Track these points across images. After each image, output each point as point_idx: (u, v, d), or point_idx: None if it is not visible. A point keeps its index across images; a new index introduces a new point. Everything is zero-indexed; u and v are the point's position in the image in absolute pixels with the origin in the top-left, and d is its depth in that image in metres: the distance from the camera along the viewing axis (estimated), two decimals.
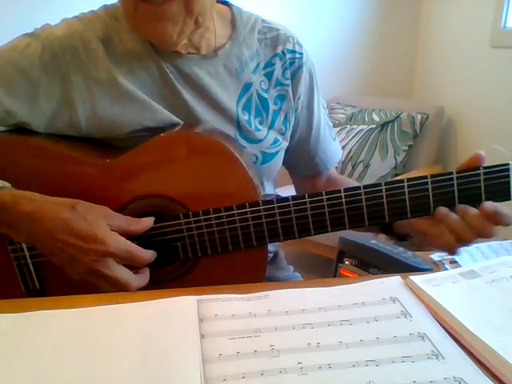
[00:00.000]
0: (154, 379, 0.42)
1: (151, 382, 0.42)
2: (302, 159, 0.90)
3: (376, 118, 2.34)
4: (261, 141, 0.80)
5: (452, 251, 0.67)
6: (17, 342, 0.48)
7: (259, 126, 0.80)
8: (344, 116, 2.44)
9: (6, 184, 0.65)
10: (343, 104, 2.51)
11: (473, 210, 0.64)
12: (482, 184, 0.65)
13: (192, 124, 0.75)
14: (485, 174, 0.64)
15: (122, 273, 0.62)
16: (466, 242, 0.65)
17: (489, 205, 0.64)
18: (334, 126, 2.40)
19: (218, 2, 0.77)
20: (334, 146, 0.92)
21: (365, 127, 2.33)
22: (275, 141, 0.82)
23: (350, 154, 2.31)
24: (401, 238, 0.77)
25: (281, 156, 0.85)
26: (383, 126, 2.30)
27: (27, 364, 0.45)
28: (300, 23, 2.33)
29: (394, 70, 2.73)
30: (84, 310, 0.53)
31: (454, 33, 2.45)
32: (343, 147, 2.31)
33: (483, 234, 0.64)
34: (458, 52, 2.43)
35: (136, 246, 0.63)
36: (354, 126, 2.36)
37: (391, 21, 2.64)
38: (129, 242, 0.62)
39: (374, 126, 2.31)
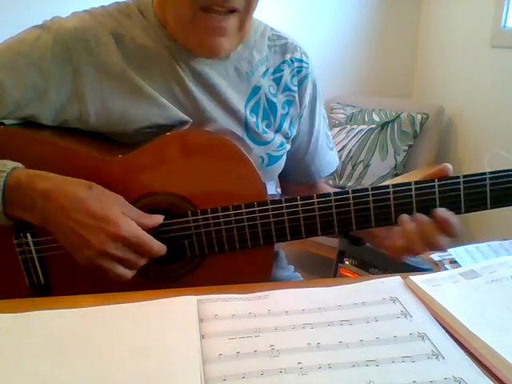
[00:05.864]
0: (154, 379, 0.42)
1: (151, 382, 0.42)
2: (297, 166, 0.91)
3: (376, 117, 2.34)
4: (268, 143, 0.81)
5: (396, 257, 0.66)
6: (17, 341, 0.48)
7: (266, 129, 0.81)
8: (344, 116, 2.44)
9: (20, 165, 0.65)
10: (343, 104, 2.51)
11: (426, 218, 0.63)
12: (438, 194, 0.64)
13: (201, 123, 0.75)
14: (439, 186, 0.64)
15: (130, 256, 0.61)
16: (413, 248, 0.63)
17: (440, 211, 0.63)
18: (334, 126, 2.40)
19: None
20: (330, 156, 0.93)
21: (365, 127, 2.32)
22: (281, 144, 0.83)
23: (350, 154, 2.30)
24: (354, 241, 0.77)
25: (284, 159, 0.86)
26: (383, 126, 2.29)
27: (27, 364, 0.45)
28: (300, 23, 2.33)
29: (394, 70, 2.72)
30: (84, 309, 0.53)
31: (454, 33, 2.45)
32: (343, 147, 2.31)
33: (431, 243, 0.62)
34: (458, 52, 2.43)
35: (148, 234, 0.63)
36: (354, 126, 2.36)
37: (391, 21, 2.63)
38: (140, 228, 0.62)
39: (374, 125, 2.31)
